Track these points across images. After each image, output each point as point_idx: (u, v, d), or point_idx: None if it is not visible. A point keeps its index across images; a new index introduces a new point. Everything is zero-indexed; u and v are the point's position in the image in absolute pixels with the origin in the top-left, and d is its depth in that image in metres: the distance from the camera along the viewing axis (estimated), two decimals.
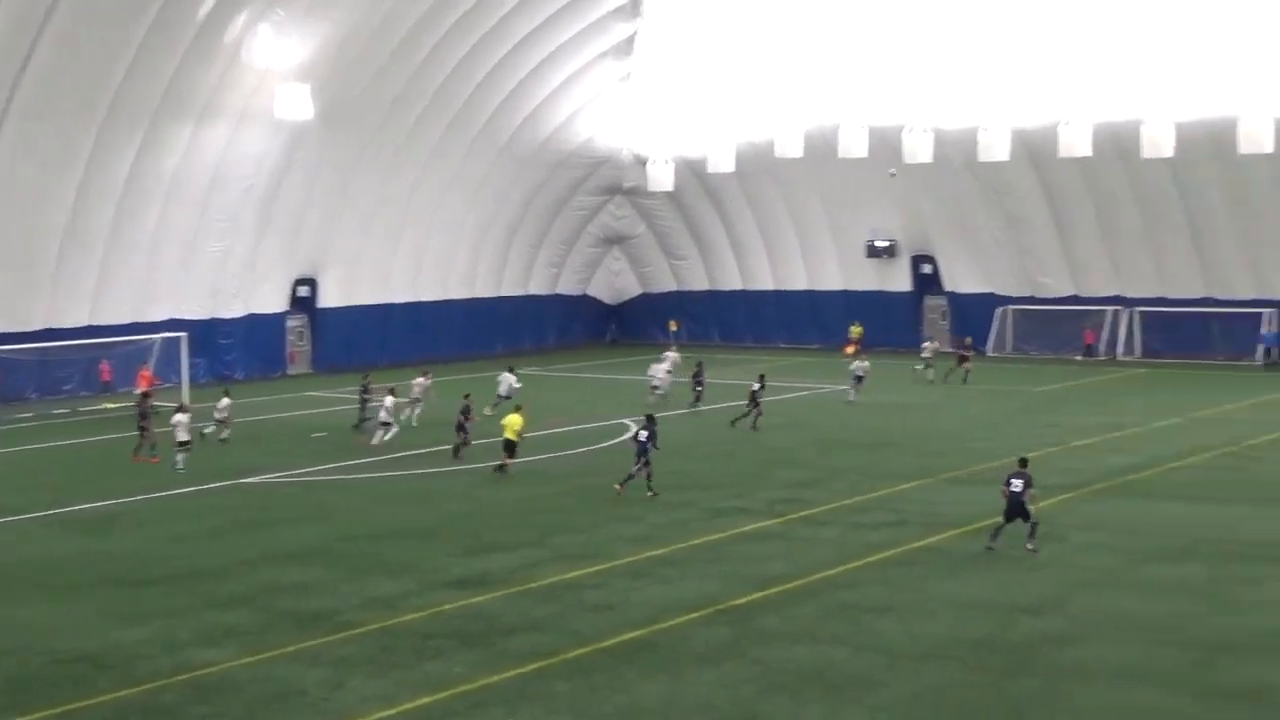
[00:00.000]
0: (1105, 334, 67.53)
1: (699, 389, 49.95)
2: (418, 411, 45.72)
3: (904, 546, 27.77)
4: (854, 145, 64.10)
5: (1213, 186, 62.19)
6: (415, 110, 63.95)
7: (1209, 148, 59.68)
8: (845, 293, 74.02)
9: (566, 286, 78.84)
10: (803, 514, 31.22)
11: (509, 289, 75.06)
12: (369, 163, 64.00)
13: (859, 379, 51.78)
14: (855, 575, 25.58)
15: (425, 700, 18.95)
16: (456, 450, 39.16)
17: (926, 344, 60.75)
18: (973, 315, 69.59)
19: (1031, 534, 26.82)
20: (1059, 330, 68.10)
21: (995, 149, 61.93)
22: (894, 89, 64.31)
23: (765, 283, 76.83)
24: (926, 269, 72.17)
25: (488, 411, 45.35)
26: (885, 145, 64.11)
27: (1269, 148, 56.72)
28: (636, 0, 66.91)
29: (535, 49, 65.47)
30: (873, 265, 73.09)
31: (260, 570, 26.60)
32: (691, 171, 72.71)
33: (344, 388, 55.04)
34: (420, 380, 46.72)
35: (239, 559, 27.58)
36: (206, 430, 42.70)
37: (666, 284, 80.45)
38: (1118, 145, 60.97)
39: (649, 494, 32.96)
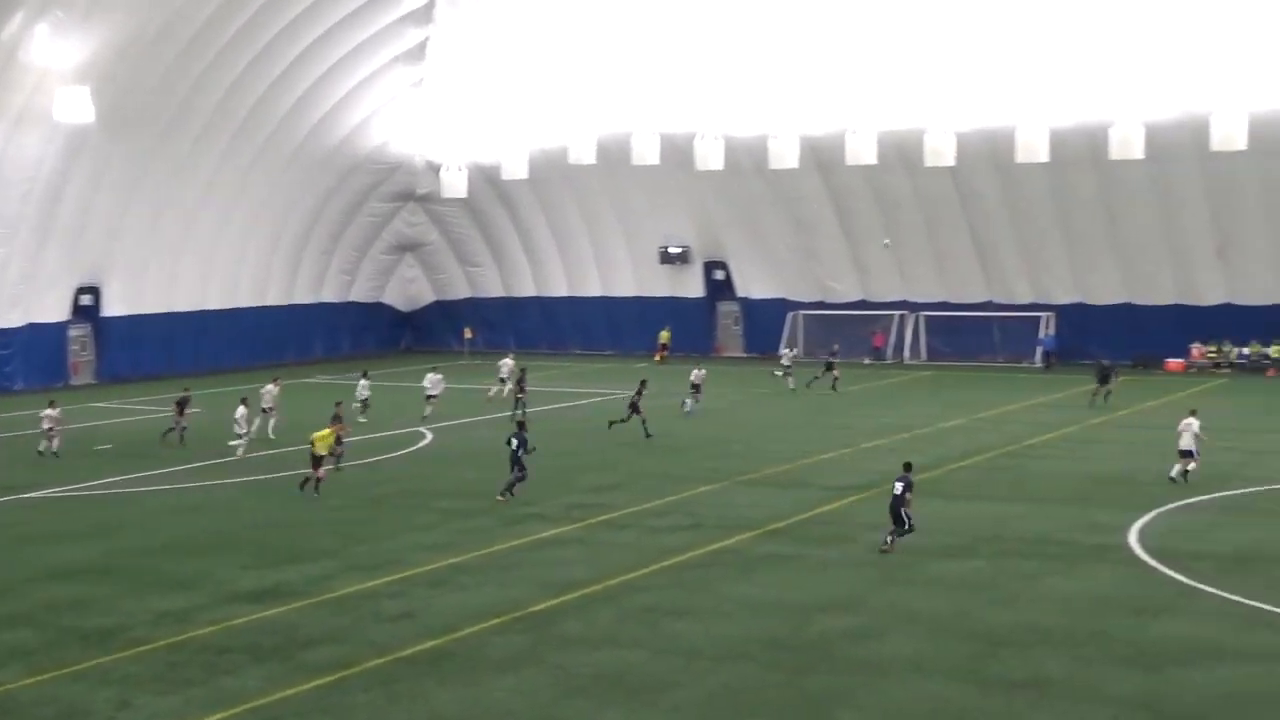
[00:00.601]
0: (893, 338, 69.28)
1: (520, 396, 49.76)
2: (272, 422, 44.68)
3: (700, 549, 28.09)
4: (646, 152, 64.68)
5: (992, 194, 64.24)
6: (203, 114, 62.55)
7: (988, 157, 61.66)
8: (639, 299, 74.62)
9: (360, 294, 78.01)
10: (602, 519, 31.37)
11: (301, 297, 73.97)
12: (155, 168, 62.41)
13: (696, 388, 50.10)
14: (653, 579, 25.79)
15: (217, 716, 18.57)
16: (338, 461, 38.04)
17: (785, 350, 60.43)
18: (765, 320, 70.76)
19: (899, 534, 27.36)
20: (849, 334, 69.46)
21: (785, 156, 63.03)
22: (685, 96, 65.07)
23: (559, 289, 77.02)
24: (719, 275, 73.11)
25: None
26: (677, 152, 64.85)
27: (1044, 157, 58.76)
28: (429, 5, 66.55)
29: (326, 53, 64.62)
30: (666, 271, 73.76)
31: (44, 587, 25.72)
32: (485, 178, 72.55)
33: (130, 399, 53.59)
34: (270, 388, 45.70)
35: (21, 576, 26.64)
36: (40, 448, 41.64)
37: (461, 291, 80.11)
38: (902, 154, 62.58)
39: (499, 497, 33.02)
